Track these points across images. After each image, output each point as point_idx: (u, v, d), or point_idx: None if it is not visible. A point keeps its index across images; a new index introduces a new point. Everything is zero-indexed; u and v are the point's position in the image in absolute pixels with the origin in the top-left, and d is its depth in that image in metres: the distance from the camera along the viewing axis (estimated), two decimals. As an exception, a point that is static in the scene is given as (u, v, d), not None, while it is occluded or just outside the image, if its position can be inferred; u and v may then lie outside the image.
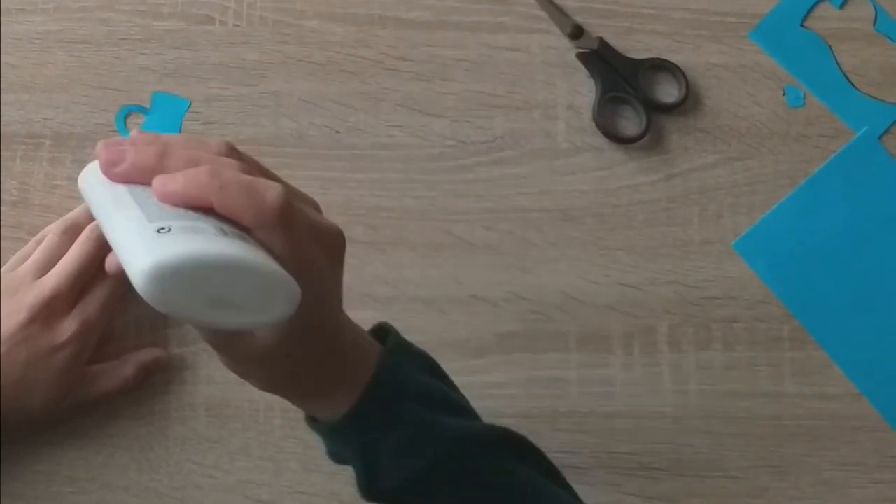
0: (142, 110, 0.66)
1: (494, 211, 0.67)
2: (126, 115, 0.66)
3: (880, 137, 0.70)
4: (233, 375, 0.62)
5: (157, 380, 0.63)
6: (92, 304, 0.58)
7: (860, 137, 0.69)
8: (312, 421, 0.50)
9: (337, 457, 0.51)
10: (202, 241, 0.35)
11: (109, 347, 0.62)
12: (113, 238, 0.37)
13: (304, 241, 0.39)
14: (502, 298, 0.66)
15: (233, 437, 0.62)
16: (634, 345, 0.66)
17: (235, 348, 0.43)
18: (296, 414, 0.62)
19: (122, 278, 0.56)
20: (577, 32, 0.69)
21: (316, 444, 0.61)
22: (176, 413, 0.62)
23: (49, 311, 0.56)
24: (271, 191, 0.37)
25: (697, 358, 0.66)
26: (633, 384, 0.65)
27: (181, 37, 0.68)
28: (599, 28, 0.70)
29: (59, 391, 0.57)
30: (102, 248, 0.59)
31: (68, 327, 0.57)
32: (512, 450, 0.51)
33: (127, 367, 0.61)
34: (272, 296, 0.37)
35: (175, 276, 0.34)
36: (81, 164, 0.65)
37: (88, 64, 0.67)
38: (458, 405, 0.52)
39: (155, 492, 0.61)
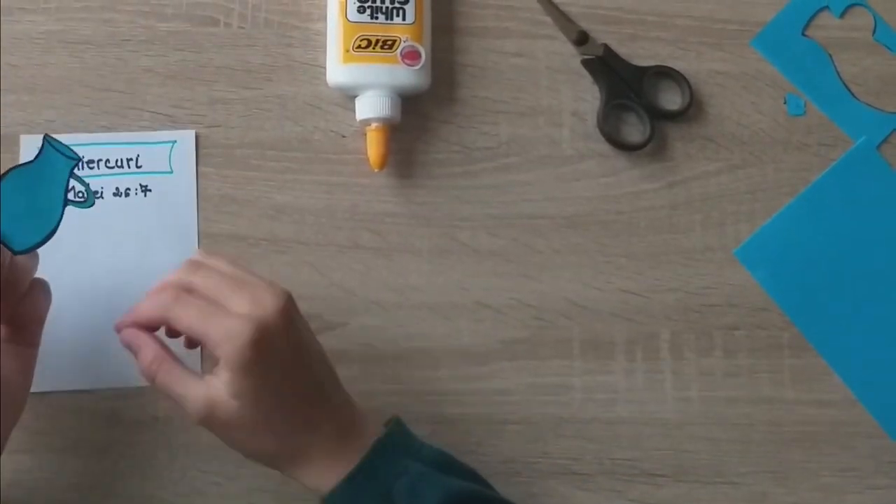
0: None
1: (499, 217, 0.67)
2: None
3: (878, 147, 0.70)
4: (237, 382, 0.62)
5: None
6: None
7: (858, 147, 0.70)
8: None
9: None
10: None
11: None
12: None
13: None
14: (507, 305, 0.66)
15: (237, 443, 0.62)
16: (637, 351, 0.66)
17: (216, 419, 0.52)
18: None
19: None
20: (581, 39, 0.69)
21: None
22: (180, 420, 0.62)
23: None
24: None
25: (699, 365, 0.66)
26: (636, 391, 0.66)
27: (185, 38, 0.67)
28: (604, 34, 0.70)
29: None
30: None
31: None
32: None
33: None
34: None
35: None
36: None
37: (90, 65, 0.66)
38: (462, 470, 0.57)
39: (159, 499, 0.61)
